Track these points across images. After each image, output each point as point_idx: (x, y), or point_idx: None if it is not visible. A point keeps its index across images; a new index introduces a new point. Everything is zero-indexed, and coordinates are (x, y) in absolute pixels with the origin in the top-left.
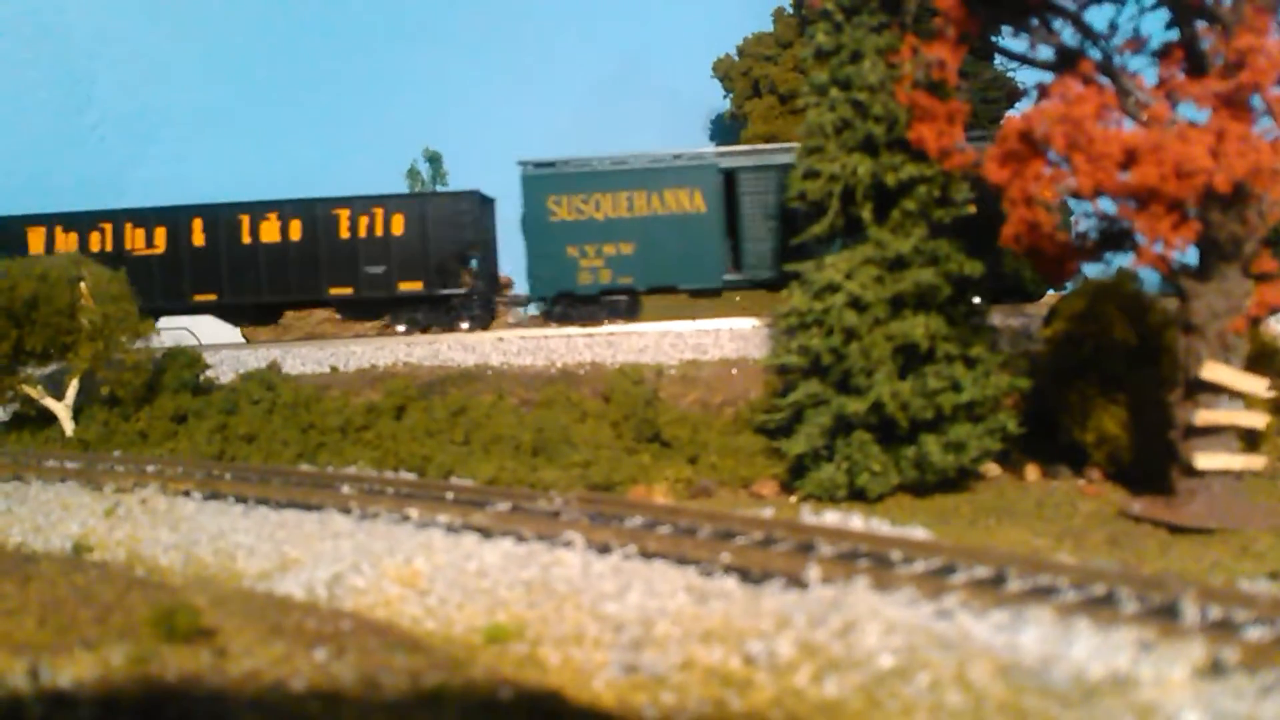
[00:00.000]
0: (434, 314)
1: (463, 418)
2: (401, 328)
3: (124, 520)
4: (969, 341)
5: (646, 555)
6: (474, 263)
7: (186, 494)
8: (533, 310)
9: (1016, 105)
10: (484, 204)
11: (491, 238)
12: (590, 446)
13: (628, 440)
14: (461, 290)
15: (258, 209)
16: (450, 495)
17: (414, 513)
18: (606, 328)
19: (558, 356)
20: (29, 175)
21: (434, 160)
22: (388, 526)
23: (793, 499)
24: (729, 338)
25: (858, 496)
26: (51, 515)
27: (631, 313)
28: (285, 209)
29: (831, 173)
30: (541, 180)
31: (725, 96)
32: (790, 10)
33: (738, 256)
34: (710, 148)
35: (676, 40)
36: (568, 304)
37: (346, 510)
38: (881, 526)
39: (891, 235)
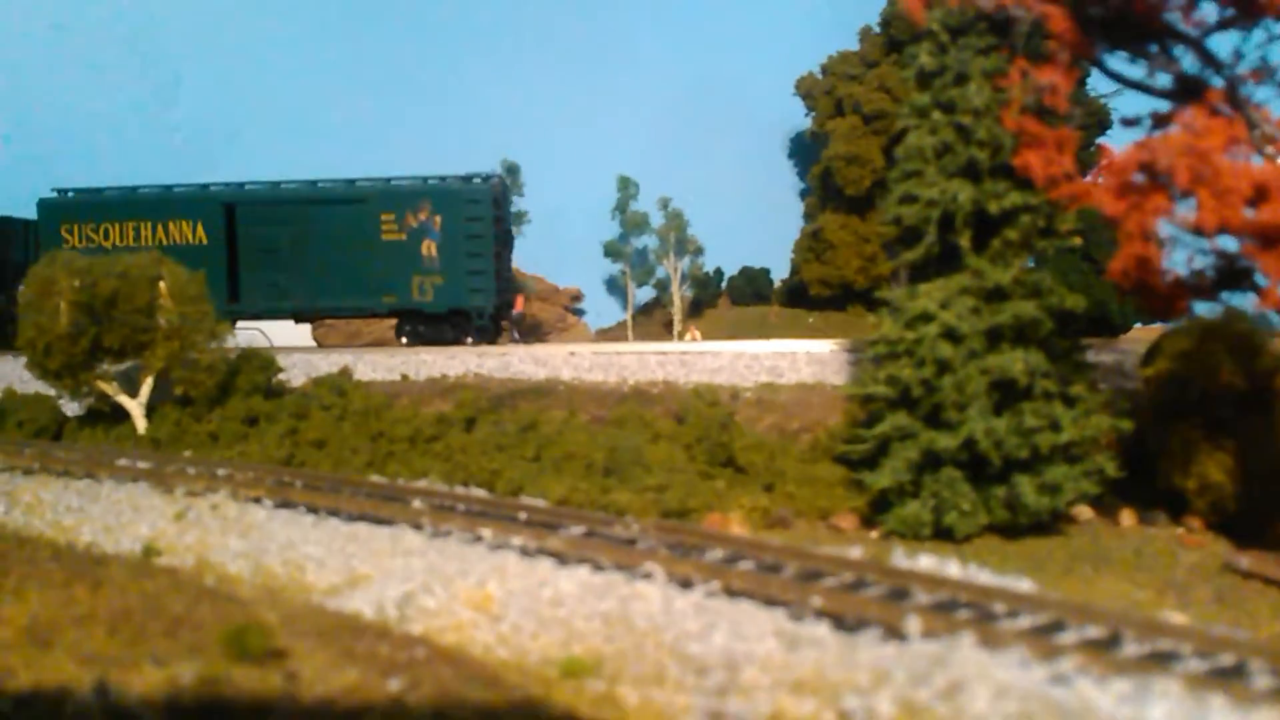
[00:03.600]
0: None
1: (533, 433)
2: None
3: (194, 525)
4: (1069, 379)
5: (731, 593)
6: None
7: (257, 501)
8: None
9: (1109, 132)
10: None
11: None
12: (664, 469)
13: (701, 464)
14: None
15: None
16: (523, 516)
17: (487, 533)
18: (680, 345)
19: (630, 374)
20: (114, 175)
21: (512, 171)
22: (460, 546)
23: (874, 535)
24: (806, 361)
25: (943, 536)
26: (122, 516)
27: None
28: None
29: (930, 198)
30: (56, 208)
31: (807, 115)
32: (877, 29)
33: (235, 288)
34: (215, 182)
35: (756, 58)
36: None
37: (418, 526)
38: (980, 574)
39: (990, 265)
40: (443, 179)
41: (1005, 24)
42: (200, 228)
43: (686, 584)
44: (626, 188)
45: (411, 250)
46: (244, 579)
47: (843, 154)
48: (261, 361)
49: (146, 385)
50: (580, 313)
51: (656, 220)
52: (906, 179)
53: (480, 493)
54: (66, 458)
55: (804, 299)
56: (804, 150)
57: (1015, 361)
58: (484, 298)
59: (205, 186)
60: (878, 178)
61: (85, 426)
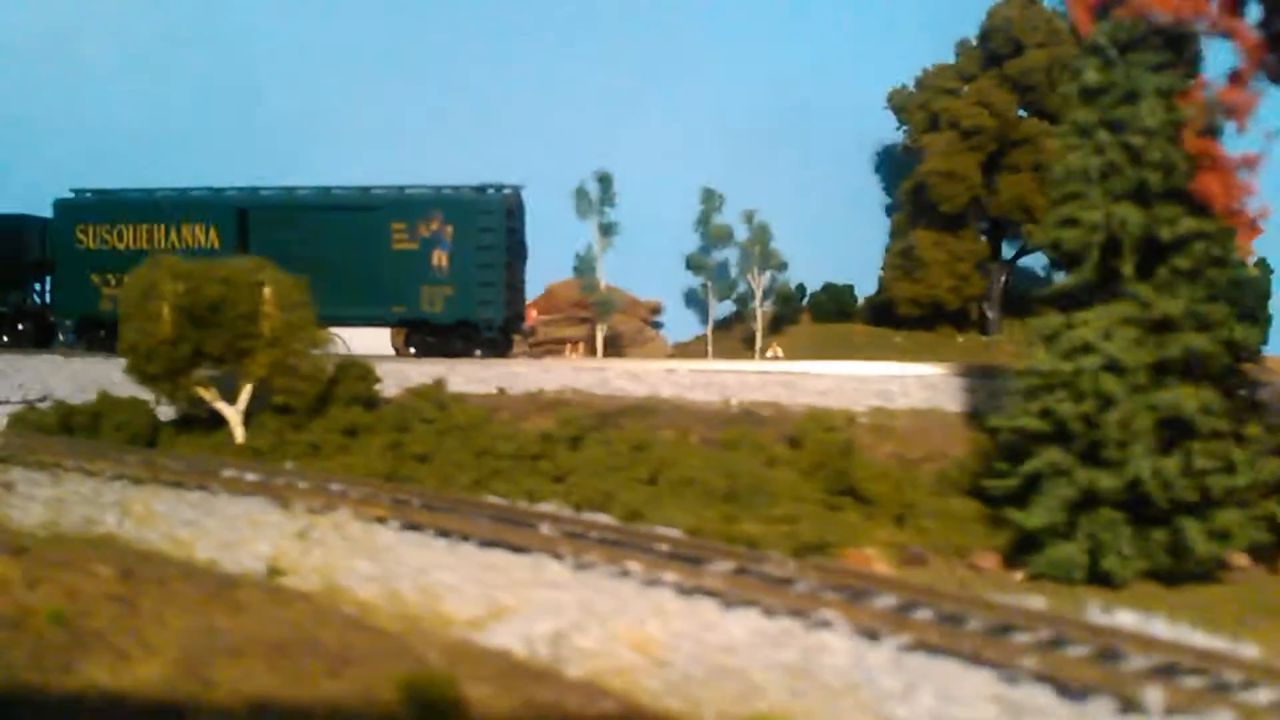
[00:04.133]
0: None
1: (644, 454)
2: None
3: (317, 545)
4: (1242, 417)
5: (924, 647)
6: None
7: (381, 521)
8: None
9: None
10: None
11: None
12: (788, 498)
13: (820, 492)
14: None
15: None
16: (664, 548)
17: (635, 567)
18: (783, 365)
19: (732, 393)
20: (203, 176)
21: (604, 181)
22: (608, 580)
23: (1018, 576)
24: (918, 385)
25: (1100, 580)
26: (241, 532)
27: None
28: None
29: (1094, 222)
30: (72, 208)
31: (898, 129)
32: (974, 42)
33: None
34: (229, 186)
35: (843, 70)
36: (96, 329)
37: (557, 555)
38: (1193, 635)
39: (1157, 294)
40: (455, 189)
41: (1181, 39)
42: (214, 231)
43: (871, 635)
44: (711, 200)
45: (422, 260)
46: (378, 606)
47: (939, 170)
48: (360, 371)
49: (245, 392)
50: (658, 325)
51: (739, 233)
52: (1066, 201)
53: (606, 519)
54: (173, 467)
55: (890, 317)
56: (893, 164)
57: (1188, 398)
58: (494, 310)
59: (219, 190)
60: (974, 194)
61: (180, 433)
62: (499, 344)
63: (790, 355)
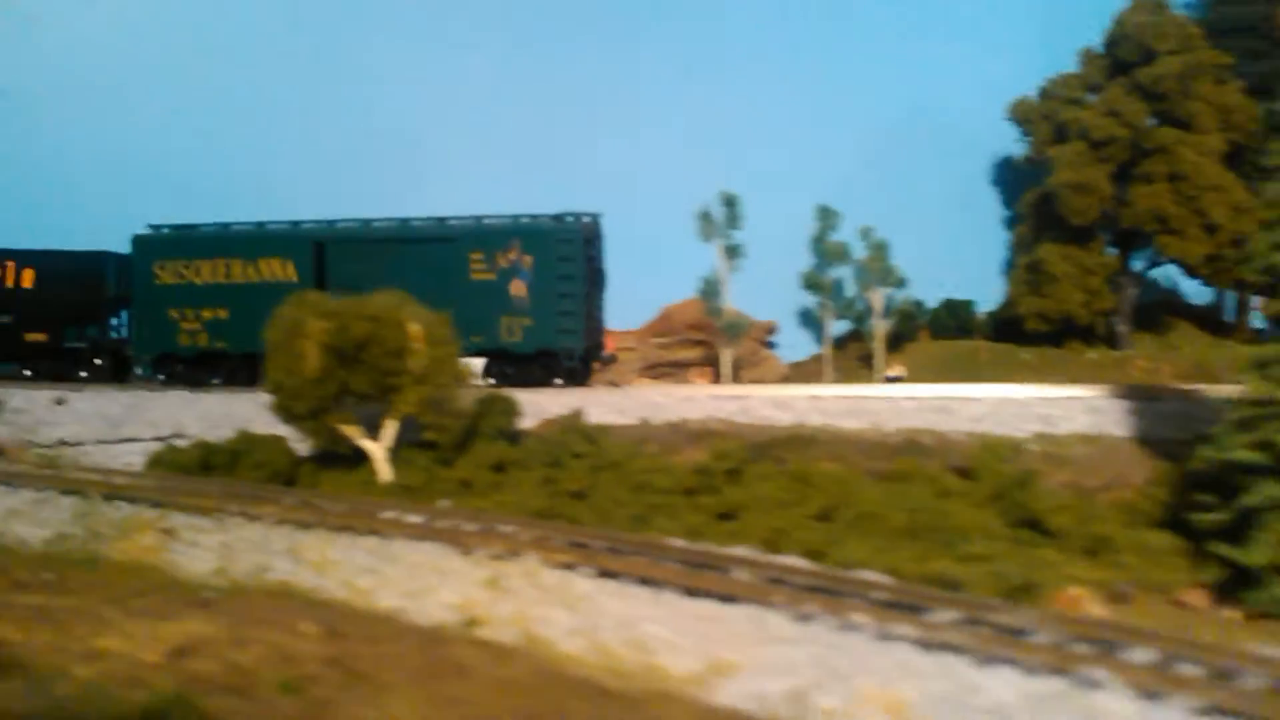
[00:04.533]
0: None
1: (812, 488)
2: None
3: (509, 594)
4: None
5: (1218, 711)
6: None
7: (569, 567)
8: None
9: None
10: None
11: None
12: (977, 534)
13: (1000, 525)
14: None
15: None
16: (882, 595)
17: (861, 618)
18: (936, 389)
19: (884, 420)
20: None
21: (730, 203)
22: (834, 633)
23: (1231, 614)
24: (1081, 409)
25: None
26: (424, 580)
27: (250, 378)
28: None
29: None
30: (150, 244)
31: (1020, 140)
32: (1100, 50)
33: None
34: (307, 219)
35: (957, 81)
36: (174, 365)
37: (770, 605)
38: None
39: None
40: (534, 218)
41: None
42: (291, 265)
43: (1152, 695)
44: (827, 217)
45: (501, 290)
46: (588, 661)
47: (1069, 181)
48: (504, 405)
49: (390, 429)
50: (772, 346)
51: (856, 250)
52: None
53: (803, 563)
54: (335, 509)
55: (1015, 333)
56: (1013, 176)
57: None
58: (574, 339)
59: (296, 224)
60: (1105, 206)
61: (321, 470)
62: (579, 373)
63: (914, 375)
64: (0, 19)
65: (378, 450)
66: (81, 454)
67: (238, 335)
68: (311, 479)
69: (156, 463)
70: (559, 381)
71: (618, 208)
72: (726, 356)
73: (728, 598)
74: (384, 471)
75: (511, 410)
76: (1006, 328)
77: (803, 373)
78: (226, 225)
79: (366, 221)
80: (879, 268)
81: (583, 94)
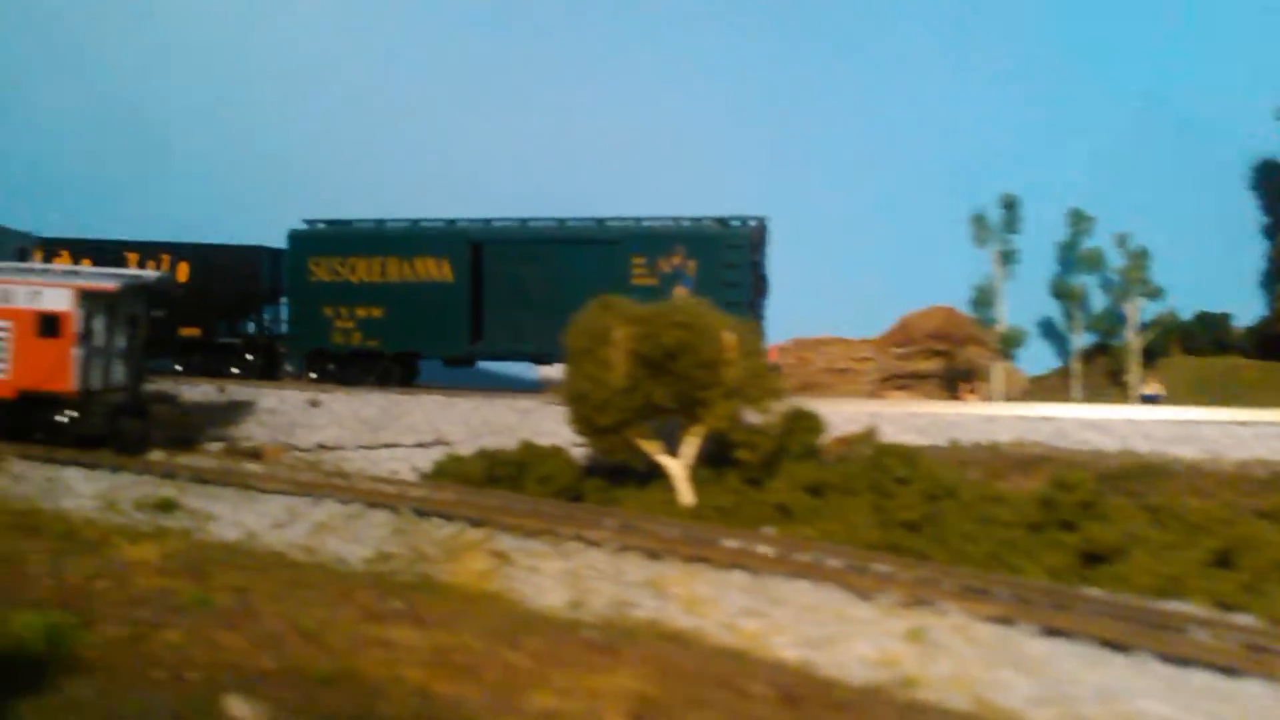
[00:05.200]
0: None
1: (1189, 528)
2: None
3: (939, 650)
4: None
5: None
6: None
7: (1003, 621)
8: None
9: None
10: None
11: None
12: None
13: None
14: None
15: None
16: None
17: None
18: (1243, 413)
19: (1223, 449)
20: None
21: (1009, 205)
22: None
23: None
24: None
25: None
26: (823, 627)
27: (403, 378)
28: None
29: None
30: (305, 240)
31: None
32: None
33: (479, 328)
34: (463, 218)
35: (1212, 77)
36: (326, 362)
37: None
38: None
39: None
40: (696, 220)
41: None
42: (447, 265)
43: None
44: (1079, 222)
45: (663, 296)
46: None
47: None
48: (810, 422)
49: (690, 446)
50: (1012, 357)
51: (1111, 258)
52: None
53: (1248, 619)
54: (665, 533)
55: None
56: (1275, 180)
57: None
58: None
59: (452, 222)
60: None
61: (610, 487)
62: None
63: (1172, 394)
64: (154, 20)
65: (678, 468)
66: (341, 459)
67: (392, 334)
68: (601, 496)
69: (440, 472)
70: None
71: (837, 211)
72: (999, 372)
73: (1229, 670)
74: (685, 492)
75: (817, 427)
76: (1274, 343)
77: (1044, 387)
78: (381, 222)
79: (523, 221)
80: (1136, 277)
81: (813, 93)
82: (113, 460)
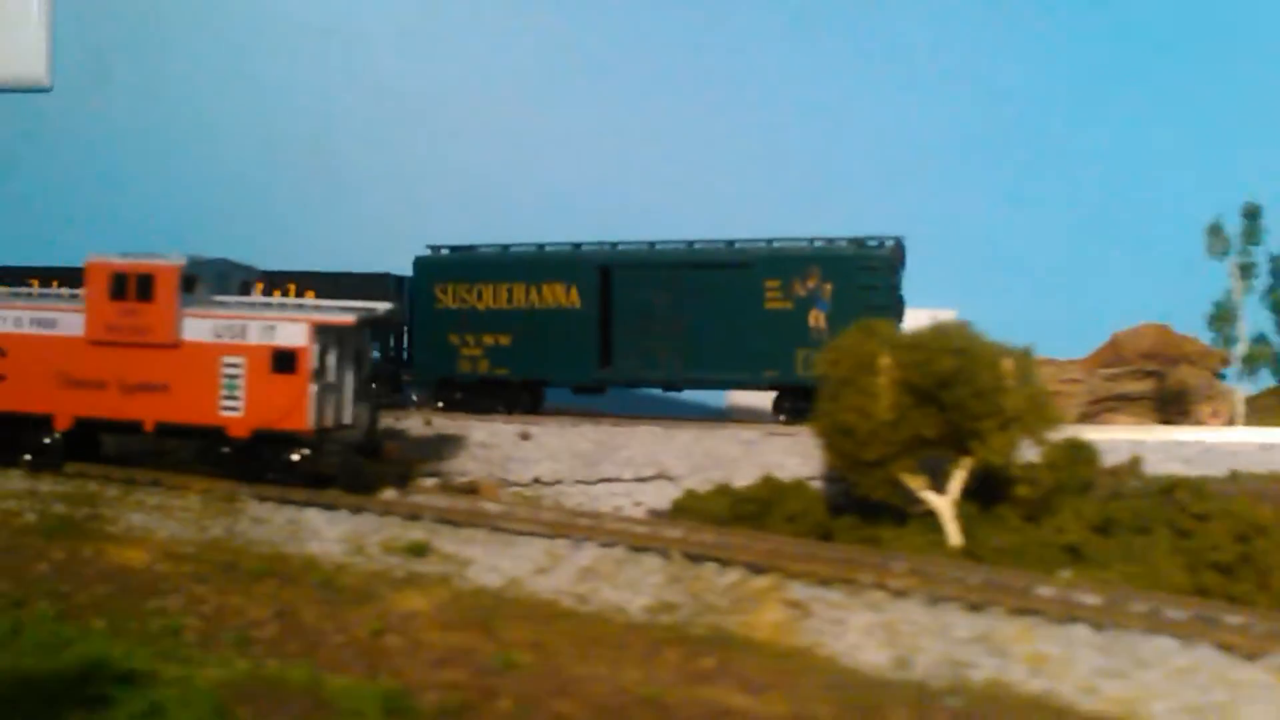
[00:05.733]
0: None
1: None
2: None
3: None
4: None
5: None
6: None
7: None
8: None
9: None
10: None
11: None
12: None
13: None
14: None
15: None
16: None
17: None
18: None
19: None
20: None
21: (1251, 215)
22: None
23: None
24: None
25: None
26: (1208, 692)
27: (531, 406)
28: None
29: None
30: (431, 266)
31: None
32: None
33: (608, 354)
34: (589, 242)
35: None
36: (454, 390)
37: None
38: None
39: None
40: (830, 241)
41: None
42: (574, 290)
43: None
44: None
45: (798, 321)
46: None
47: None
48: (1086, 453)
49: (958, 481)
50: (1223, 377)
51: None
52: None
53: None
54: (969, 579)
55: None
56: None
57: None
58: None
59: (579, 246)
60: None
61: (862, 525)
62: None
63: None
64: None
65: (945, 506)
66: (560, 494)
67: (520, 361)
68: (853, 536)
69: (679, 510)
70: None
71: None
72: (1238, 396)
73: None
74: (953, 532)
75: (1093, 458)
76: None
77: (1256, 408)
78: (505, 247)
79: (651, 244)
80: None
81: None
82: (350, 501)
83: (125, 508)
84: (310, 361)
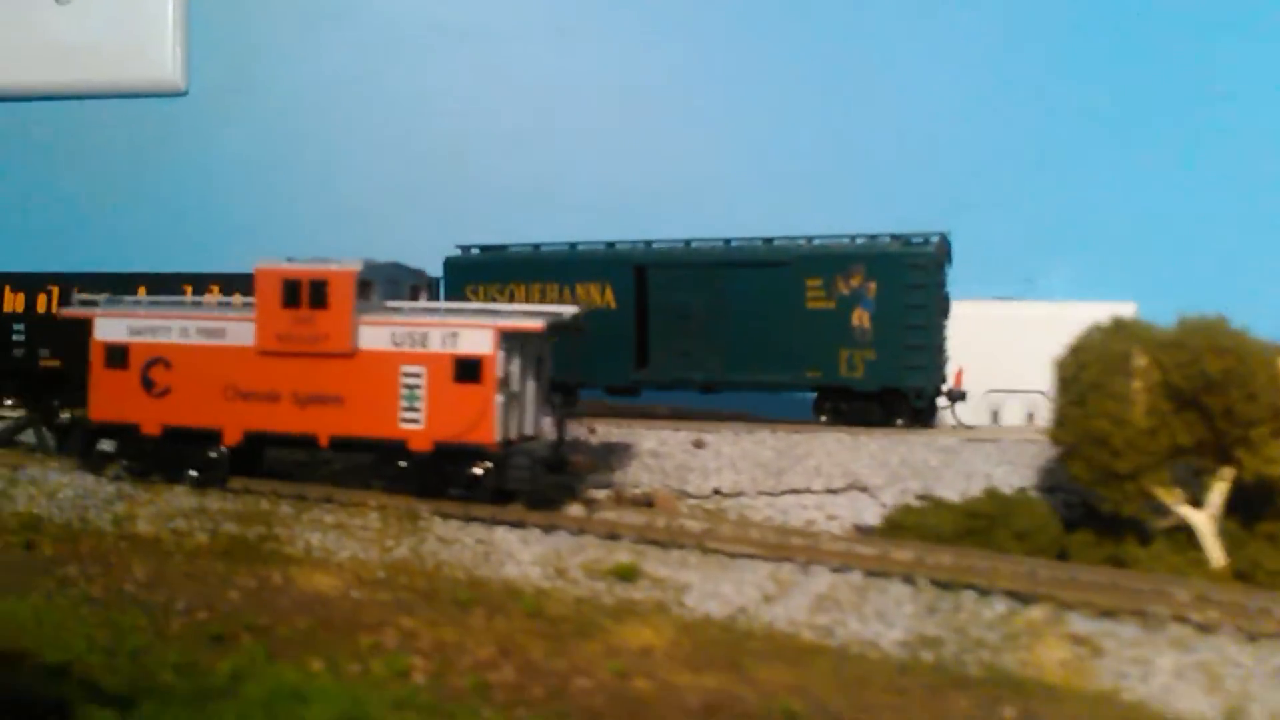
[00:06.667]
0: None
1: None
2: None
3: None
4: None
5: None
6: None
7: None
8: None
9: None
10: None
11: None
12: None
13: None
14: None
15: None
16: None
17: None
18: None
19: None
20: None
21: None
22: None
23: None
24: None
25: None
26: None
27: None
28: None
29: None
30: (461, 266)
31: None
32: None
33: (644, 355)
34: (623, 240)
35: None
36: None
37: None
38: None
39: None
40: (873, 238)
41: None
42: (609, 290)
43: None
44: None
45: (840, 320)
46: None
47: None
48: None
49: (1219, 494)
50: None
51: None
52: None
53: None
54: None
55: None
56: None
57: None
58: (923, 376)
59: (613, 245)
60: None
61: (1098, 542)
62: (924, 413)
63: None
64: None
65: (1205, 522)
66: (744, 507)
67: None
68: (1093, 554)
69: (895, 526)
70: (900, 422)
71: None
72: None
73: None
74: (1215, 550)
75: None
76: None
77: None
78: (537, 246)
79: (686, 242)
80: None
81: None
82: (540, 518)
83: (301, 526)
84: (496, 370)
